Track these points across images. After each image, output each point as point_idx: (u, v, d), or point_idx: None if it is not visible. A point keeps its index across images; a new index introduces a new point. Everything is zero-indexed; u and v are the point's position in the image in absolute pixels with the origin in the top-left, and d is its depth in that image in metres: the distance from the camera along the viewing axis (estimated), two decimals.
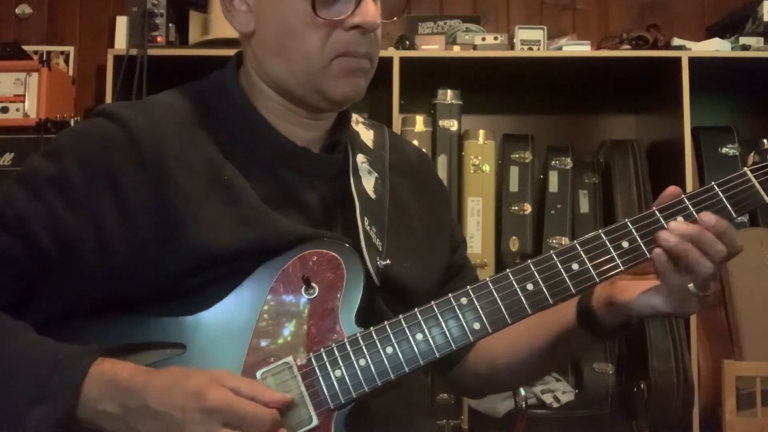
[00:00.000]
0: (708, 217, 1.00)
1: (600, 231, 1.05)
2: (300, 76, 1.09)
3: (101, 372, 0.94)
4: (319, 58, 1.08)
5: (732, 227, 1.01)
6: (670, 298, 1.03)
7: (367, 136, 1.26)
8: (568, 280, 1.03)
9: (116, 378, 0.94)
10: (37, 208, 1.02)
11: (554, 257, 1.04)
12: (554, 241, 2.64)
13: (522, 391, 2.34)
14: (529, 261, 1.05)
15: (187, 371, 0.95)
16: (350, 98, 1.12)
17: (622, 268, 1.04)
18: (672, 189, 1.06)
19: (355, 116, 1.26)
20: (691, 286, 1.01)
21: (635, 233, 1.04)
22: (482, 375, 1.28)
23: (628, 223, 1.05)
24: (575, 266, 1.04)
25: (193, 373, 0.94)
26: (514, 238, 2.64)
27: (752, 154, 1.09)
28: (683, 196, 1.05)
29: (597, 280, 1.04)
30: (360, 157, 1.20)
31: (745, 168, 1.06)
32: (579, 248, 1.04)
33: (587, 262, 1.04)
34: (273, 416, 0.94)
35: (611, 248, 1.04)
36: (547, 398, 2.45)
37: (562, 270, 1.04)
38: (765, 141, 1.09)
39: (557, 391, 2.47)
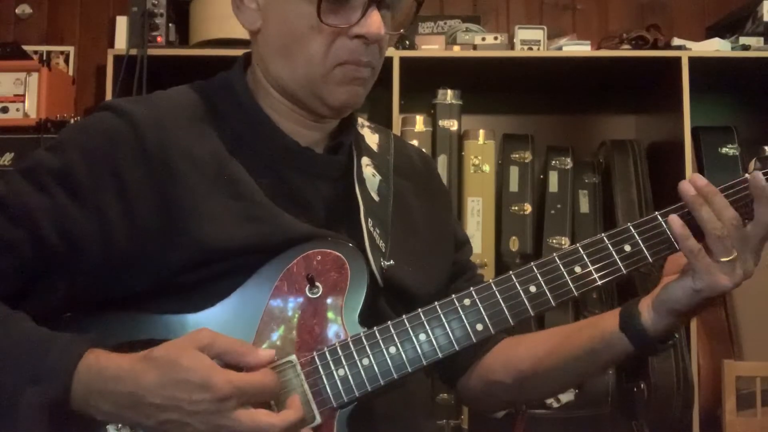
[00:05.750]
0: (697, 179, 1.05)
1: (602, 234, 1.06)
2: (301, 79, 1.10)
3: (87, 366, 0.94)
4: (322, 64, 1.08)
5: (720, 195, 1.04)
6: (697, 274, 1.02)
7: (372, 139, 1.27)
8: (570, 283, 1.05)
9: (102, 374, 0.93)
10: (43, 201, 1.02)
11: (557, 260, 1.05)
12: (554, 241, 2.64)
13: None
14: (532, 263, 1.06)
15: (169, 359, 0.92)
16: (348, 106, 1.13)
17: (624, 271, 1.05)
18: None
19: (360, 119, 1.26)
20: (715, 254, 1.01)
21: (637, 237, 1.05)
22: (504, 383, 1.23)
23: (631, 227, 1.06)
24: (577, 269, 1.05)
25: (180, 361, 0.92)
26: (514, 238, 2.64)
27: (753, 161, 1.10)
28: None
29: (599, 282, 1.05)
30: (365, 160, 1.21)
31: (747, 174, 1.07)
32: (582, 251, 1.06)
33: (589, 265, 1.05)
34: (273, 381, 0.95)
35: (613, 252, 1.05)
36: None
37: (564, 272, 1.05)
38: (766, 148, 1.10)
39: None
